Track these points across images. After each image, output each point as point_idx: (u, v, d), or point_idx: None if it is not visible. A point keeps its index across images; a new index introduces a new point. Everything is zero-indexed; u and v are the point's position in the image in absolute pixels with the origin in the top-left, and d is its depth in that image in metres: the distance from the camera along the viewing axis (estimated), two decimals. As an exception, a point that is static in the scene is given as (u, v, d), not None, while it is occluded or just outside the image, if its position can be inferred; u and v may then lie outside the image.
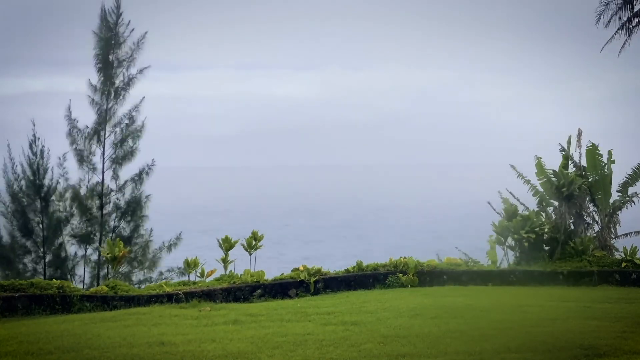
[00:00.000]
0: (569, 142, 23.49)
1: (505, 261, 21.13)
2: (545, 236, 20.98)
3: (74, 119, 25.70)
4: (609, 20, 21.75)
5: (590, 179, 22.80)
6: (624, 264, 19.24)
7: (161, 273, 26.33)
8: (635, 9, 21.35)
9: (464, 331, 11.58)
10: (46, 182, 25.36)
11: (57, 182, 25.63)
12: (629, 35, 21.64)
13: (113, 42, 25.75)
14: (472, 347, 10.42)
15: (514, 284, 19.11)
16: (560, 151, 23.48)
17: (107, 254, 18.99)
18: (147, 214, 26.41)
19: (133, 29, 25.94)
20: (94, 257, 25.87)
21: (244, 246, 19.85)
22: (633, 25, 21.38)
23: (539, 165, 22.76)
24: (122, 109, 26.03)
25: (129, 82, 25.90)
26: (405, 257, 19.37)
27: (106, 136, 26.00)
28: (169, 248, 26.55)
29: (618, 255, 20.97)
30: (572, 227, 21.76)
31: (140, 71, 26.04)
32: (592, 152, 23.15)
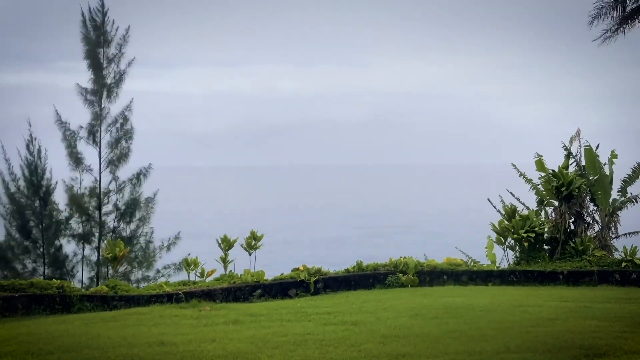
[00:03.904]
0: (571, 141, 23.50)
1: (505, 261, 21.15)
2: (545, 236, 20.98)
3: (66, 122, 25.68)
4: (596, 17, 21.73)
5: (590, 179, 22.81)
6: (624, 264, 19.24)
7: (158, 271, 26.44)
8: (628, 8, 21.38)
9: (464, 331, 11.58)
10: (44, 182, 25.35)
11: (56, 183, 25.64)
12: (615, 30, 21.67)
13: (102, 40, 25.78)
14: (472, 347, 10.42)
15: (513, 284, 19.11)
16: (563, 149, 23.47)
17: (108, 253, 19.00)
18: (149, 215, 26.47)
19: (118, 27, 25.97)
20: (93, 257, 25.89)
21: (243, 246, 19.86)
22: (626, 18, 21.40)
23: (539, 163, 22.76)
24: (114, 108, 26.08)
25: (119, 80, 25.94)
26: (405, 257, 19.38)
27: (102, 136, 26.00)
28: (168, 247, 26.62)
29: (618, 255, 20.96)
30: (572, 227, 21.75)
31: (129, 64, 26.00)
32: (590, 152, 23.17)
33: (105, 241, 23.60)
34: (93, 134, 25.83)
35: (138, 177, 26.49)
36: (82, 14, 25.67)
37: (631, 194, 23.05)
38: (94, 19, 25.78)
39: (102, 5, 25.83)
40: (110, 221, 26.15)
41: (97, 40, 25.80)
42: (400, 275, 18.65)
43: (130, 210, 26.12)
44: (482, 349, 10.31)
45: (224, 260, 19.46)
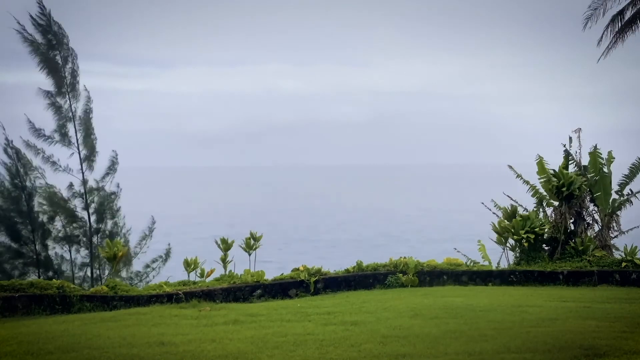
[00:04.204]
0: (570, 142, 23.53)
1: (505, 261, 21.16)
2: (545, 236, 20.98)
3: (40, 129, 25.59)
4: (601, 37, 21.86)
5: (590, 178, 22.81)
6: (624, 264, 19.24)
7: (147, 265, 26.47)
8: (626, 18, 21.47)
9: (464, 331, 11.58)
10: (28, 184, 25.31)
11: (37, 185, 25.58)
12: (616, 41, 21.75)
13: (55, 43, 25.67)
14: (472, 347, 10.42)
15: (513, 284, 19.11)
16: (564, 151, 23.50)
17: (107, 253, 18.99)
18: (120, 206, 26.44)
19: (59, 26, 25.69)
20: (79, 258, 25.87)
21: (242, 246, 19.85)
22: (624, 30, 21.49)
23: (540, 164, 22.76)
24: (80, 105, 26.02)
25: (76, 75, 25.84)
26: (405, 257, 19.38)
27: (77, 136, 25.91)
28: (150, 235, 26.66)
29: (618, 255, 20.96)
30: (572, 227, 21.75)
31: (75, 56, 25.80)
32: (594, 153, 23.20)
33: (104, 241, 23.57)
34: (66, 135, 25.74)
35: (112, 168, 26.45)
36: (24, 29, 25.23)
37: (631, 190, 23.04)
38: (40, 24, 25.52)
39: (43, 7, 25.54)
40: (93, 219, 26.07)
41: (50, 44, 25.64)
42: (400, 275, 18.65)
43: (109, 205, 26.05)
44: (482, 349, 10.31)
45: (224, 261, 19.45)
